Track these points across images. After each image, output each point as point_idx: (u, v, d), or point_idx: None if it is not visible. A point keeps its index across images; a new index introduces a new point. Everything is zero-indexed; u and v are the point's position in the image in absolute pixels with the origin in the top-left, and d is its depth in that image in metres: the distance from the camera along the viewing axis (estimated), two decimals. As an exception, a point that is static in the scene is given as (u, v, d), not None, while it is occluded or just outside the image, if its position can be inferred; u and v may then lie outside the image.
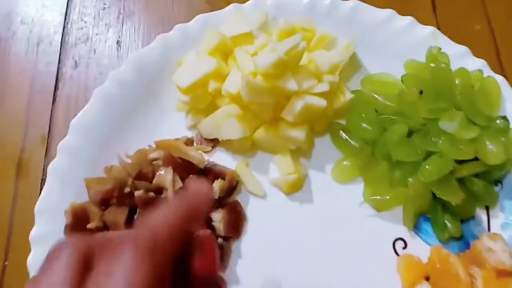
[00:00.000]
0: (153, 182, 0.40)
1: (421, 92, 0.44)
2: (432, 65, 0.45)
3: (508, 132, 0.44)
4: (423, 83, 0.45)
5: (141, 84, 0.47)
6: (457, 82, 0.45)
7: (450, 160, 0.41)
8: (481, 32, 0.53)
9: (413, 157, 0.42)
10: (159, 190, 0.40)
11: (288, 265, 0.42)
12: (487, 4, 0.55)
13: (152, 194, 0.39)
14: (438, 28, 0.53)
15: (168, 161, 0.40)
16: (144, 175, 0.41)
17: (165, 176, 0.40)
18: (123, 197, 0.39)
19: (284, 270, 0.42)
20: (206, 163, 0.42)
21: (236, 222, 0.43)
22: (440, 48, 0.46)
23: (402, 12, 0.50)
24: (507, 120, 0.44)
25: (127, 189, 0.39)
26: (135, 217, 0.39)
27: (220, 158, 0.46)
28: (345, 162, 0.46)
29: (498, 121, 0.44)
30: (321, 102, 0.43)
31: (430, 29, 0.48)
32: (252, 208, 0.45)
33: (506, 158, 0.42)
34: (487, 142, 0.42)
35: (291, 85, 0.42)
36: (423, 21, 0.51)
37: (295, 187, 0.45)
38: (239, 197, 0.45)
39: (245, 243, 0.43)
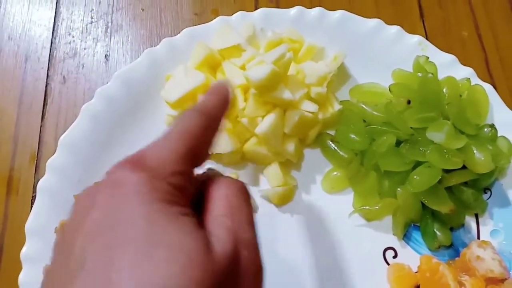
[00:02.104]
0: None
1: (408, 102, 0.44)
2: (419, 74, 0.45)
3: (496, 140, 0.44)
4: (410, 92, 0.45)
5: (129, 99, 0.47)
6: (444, 91, 0.45)
7: (438, 170, 0.41)
8: (469, 39, 0.53)
9: (401, 168, 0.42)
10: (149, 207, 0.40)
11: (279, 275, 0.42)
12: (475, 10, 0.55)
13: (141, 211, 0.39)
14: (426, 36, 0.53)
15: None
16: (133, 191, 0.40)
17: (154, 192, 0.40)
18: (112, 214, 0.39)
19: (275, 280, 0.42)
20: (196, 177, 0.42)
21: (227, 235, 0.43)
22: (428, 57, 0.47)
23: (390, 21, 0.50)
24: (495, 129, 0.44)
25: (116, 207, 0.39)
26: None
27: (210, 171, 0.46)
28: (334, 173, 0.46)
29: (486, 130, 0.44)
30: (315, 110, 0.44)
31: (417, 38, 0.49)
32: (243, 221, 0.45)
33: (494, 166, 0.42)
34: (475, 151, 0.42)
35: (286, 95, 0.43)
36: (411, 29, 0.51)
37: (286, 199, 0.45)
38: (229, 210, 0.45)
39: (237, 256, 0.43)
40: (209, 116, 0.26)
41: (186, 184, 0.23)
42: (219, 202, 0.24)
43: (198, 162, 0.25)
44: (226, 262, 0.20)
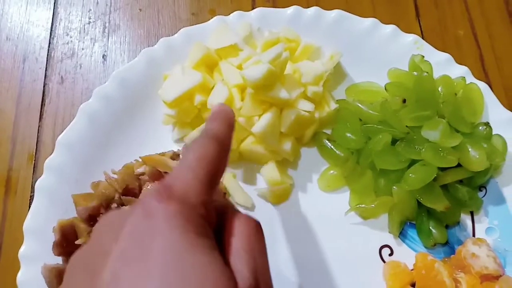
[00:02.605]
0: (140, 197, 0.40)
1: (404, 101, 0.44)
2: (415, 73, 0.45)
3: (491, 138, 0.44)
4: (406, 91, 0.45)
5: (126, 99, 0.47)
6: (440, 89, 0.45)
7: (434, 168, 0.42)
8: (465, 38, 0.54)
9: (396, 166, 0.43)
10: (146, 206, 0.40)
11: (277, 273, 0.42)
12: (470, 9, 0.55)
13: (139, 209, 0.39)
14: (422, 35, 0.54)
15: (154, 176, 0.41)
16: (130, 190, 0.41)
17: (151, 191, 0.40)
18: (110, 213, 0.40)
19: (273, 278, 0.42)
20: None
21: (224, 234, 0.43)
22: (423, 56, 0.47)
23: (387, 20, 0.50)
24: (490, 127, 0.44)
25: (114, 205, 0.40)
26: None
27: (208, 170, 0.47)
28: (331, 172, 0.46)
29: (480, 128, 0.44)
30: (311, 109, 0.44)
31: (413, 37, 0.49)
32: (240, 220, 0.45)
33: (489, 164, 0.42)
34: (470, 149, 0.42)
35: (283, 94, 0.43)
36: (407, 28, 0.51)
37: (282, 197, 0.46)
38: (227, 209, 0.45)
39: (234, 254, 0.44)
40: (221, 142, 0.26)
41: (211, 213, 0.24)
42: (241, 237, 0.24)
43: (216, 188, 0.25)
44: None
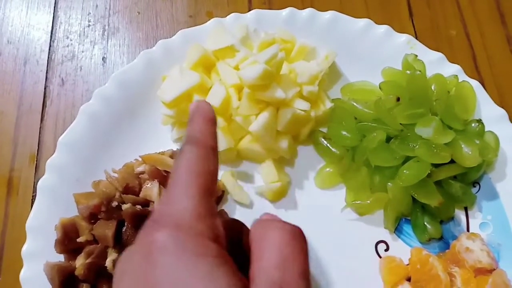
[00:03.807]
0: (140, 195, 0.41)
1: (398, 99, 0.45)
2: (408, 72, 0.46)
3: (483, 135, 0.45)
4: (400, 90, 0.46)
5: (126, 100, 0.48)
6: (433, 87, 0.46)
7: (427, 164, 0.42)
8: (457, 37, 0.55)
9: (391, 163, 0.43)
10: (146, 203, 0.41)
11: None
12: (462, 9, 0.56)
13: (139, 207, 0.40)
14: (416, 34, 0.55)
15: (153, 175, 0.42)
16: (131, 188, 0.42)
17: (151, 189, 0.41)
18: (111, 211, 0.40)
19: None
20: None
21: (223, 231, 0.44)
22: (416, 55, 0.48)
23: (380, 21, 0.51)
24: (482, 124, 0.45)
25: (114, 203, 0.40)
26: (123, 230, 0.40)
27: (206, 169, 0.48)
28: (327, 169, 0.47)
29: (473, 125, 0.45)
30: (307, 108, 0.45)
31: (406, 37, 0.50)
32: (239, 217, 0.45)
33: (482, 160, 0.43)
34: (463, 145, 0.43)
35: (279, 94, 0.44)
36: (401, 28, 0.52)
37: (280, 195, 0.46)
38: (225, 206, 0.46)
39: (233, 251, 0.45)
40: (204, 144, 0.25)
41: (218, 229, 0.23)
42: (270, 252, 0.22)
43: (214, 194, 0.25)
44: None
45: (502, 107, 0.47)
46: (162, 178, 0.42)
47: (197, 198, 0.23)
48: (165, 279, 0.20)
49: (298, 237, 0.23)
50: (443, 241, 0.45)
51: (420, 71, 0.45)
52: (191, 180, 0.23)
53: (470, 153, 0.43)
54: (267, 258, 0.22)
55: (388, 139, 0.45)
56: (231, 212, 0.46)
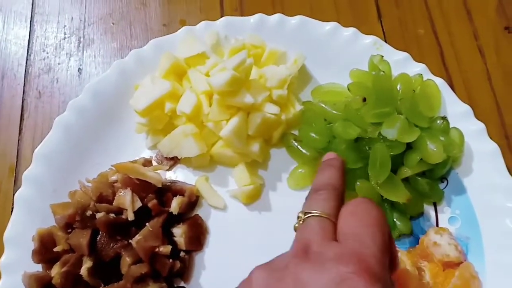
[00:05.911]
0: (113, 203, 0.42)
1: (364, 99, 0.46)
2: (373, 73, 0.47)
3: (448, 131, 0.46)
4: (366, 90, 0.47)
5: (100, 110, 0.49)
6: (398, 87, 0.47)
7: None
8: (425, 36, 0.56)
9: (358, 164, 0.45)
10: (120, 211, 0.42)
11: (249, 270, 0.44)
12: (430, 8, 0.57)
13: (112, 215, 0.41)
14: (384, 35, 0.56)
15: (126, 183, 0.43)
16: (104, 197, 0.43)
17: (124, 197, 0.42)
18: (85, 220, 0.41)
19: (244, 276, 0.44)
20: (164, 181, 0.44)
21: (198, 235, 0.45)
22: (382, 56, 0.49)
23: (350, 23, 0.52)
24: (447, 120, 0.46)
25: (88, 212, 0.42)
26: (98, 238, 0.41)
27: (182, 174, 0.49)
28: (299, 170, 0.48)
29: (438, 122, 0.46)
30: (277, 112, 0.46)
31: (372, 38, 0.51)
32: (214, 221, 0.47)
33: (447, 156, 0.44)
34: (428, 142, 0.44)
35: (247, 99, 0.45)
36: (370, 30, 0.53)
37: (253, 197, 0.48)
38: (200, 211, 0.47)
39: (208, 254, 0.46)
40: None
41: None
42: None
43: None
44: None
45: (470, 103, 0.48)
46: (135, 186, 0.43)
47: (385, 253, 0.29)
48: None
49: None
50: (414, 237, 0.46)
51: (383, 72, 0.46)
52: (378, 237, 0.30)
53: (435, 149, 0.44)
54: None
55: (357, 139, 0.46)
56: (206, 216, 0.47)
